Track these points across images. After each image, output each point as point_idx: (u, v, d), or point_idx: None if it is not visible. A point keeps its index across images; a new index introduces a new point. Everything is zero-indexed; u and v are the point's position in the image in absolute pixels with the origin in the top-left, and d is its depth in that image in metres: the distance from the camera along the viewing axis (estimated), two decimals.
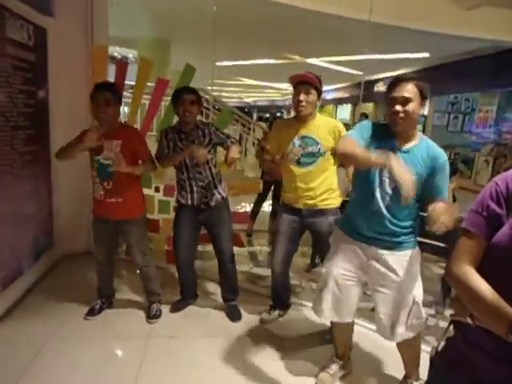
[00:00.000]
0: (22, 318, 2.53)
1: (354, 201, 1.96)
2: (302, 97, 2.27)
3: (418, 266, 1.88)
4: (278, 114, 20.99)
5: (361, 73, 7.93)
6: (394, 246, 1.83)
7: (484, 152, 8.57)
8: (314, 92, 2.30)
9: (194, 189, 2.54)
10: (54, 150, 3.13)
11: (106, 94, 2.30)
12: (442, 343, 1.18)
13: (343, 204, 2.41)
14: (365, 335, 2.53)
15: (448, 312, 1.16)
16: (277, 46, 8.07)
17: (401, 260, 1.83)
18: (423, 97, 1.73)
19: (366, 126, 1.88)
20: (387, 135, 1.80)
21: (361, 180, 1.89)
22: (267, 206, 4.91)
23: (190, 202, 2.57)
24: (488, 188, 1.05)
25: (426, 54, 8.38)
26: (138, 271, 2.72)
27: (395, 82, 1.74)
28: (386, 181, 1.77)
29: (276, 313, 2.76)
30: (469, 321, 1.02)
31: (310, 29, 6.20)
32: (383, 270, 1.84)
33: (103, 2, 3.35)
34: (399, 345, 1.98)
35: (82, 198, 3.45)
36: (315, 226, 2.44)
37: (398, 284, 1.82)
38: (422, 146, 1.76)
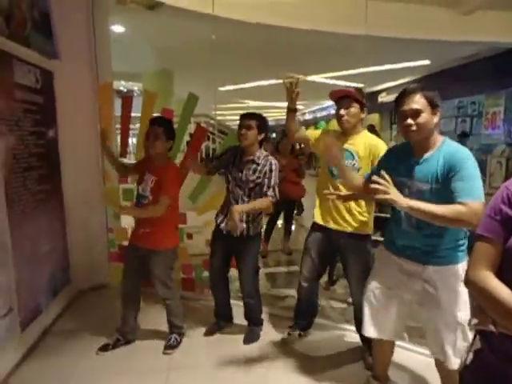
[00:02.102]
0: (42, 358, 2.51)
1: (391, 217, 1.96)
2: (343, 111, 2.29)
3: None
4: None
5: (362, 85, 7.97)
6: (432, 261, 1.75)
7: (496, 153, 8.44)
8: (355, 105, 2.29)
9: (228, 214, 2.51)
10: (65, 187, 3.20)
11: (157, 129, 2.42)
12: (470, 356, 1.14)
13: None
14: (406, 355, 2.44)
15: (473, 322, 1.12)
16: (277, 66, 8.21)
17: (442, 276, 1.74)
18: (434, 105, 1.69)
19: (384, 158, 1.97)
20: (407, 152, 1.79)
21: None
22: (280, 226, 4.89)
23: (220, 223, 2.61)
24: (499, 193, 1.05)
25: (427, 61, 8.40)
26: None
27: (402, 95, 1.71)
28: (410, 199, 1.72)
29: (296, 333, 2.69)
30: (492, 328, 1.00)
31: (309, 47, 6.30)
32: (423, 287, 1.78)
33: (105, 41, 3.47)
34: (439, 366, 1.89)
35: (96, 233, 3.51)
36: (343, 247, 2.40)
37: (439, 301, 1.74)
38: (441, 150, 1.70)
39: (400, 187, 1.76)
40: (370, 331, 1.97)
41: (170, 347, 2.60)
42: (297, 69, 8.84)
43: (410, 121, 1.67)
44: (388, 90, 12.04)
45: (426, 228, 1.72)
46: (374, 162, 2.24)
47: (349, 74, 8.97)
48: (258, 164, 2.50)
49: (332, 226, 2.40)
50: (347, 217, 2.35)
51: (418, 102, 1.66)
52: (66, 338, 2.73)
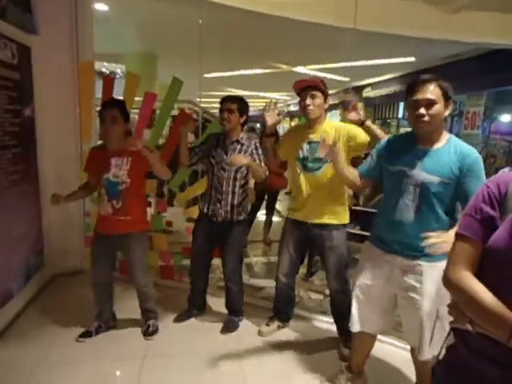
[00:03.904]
0: (12, 343, 2.45)
1: (380, 212, 1.95)
2: (309, 101, 2.27)
3: None
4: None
5: (347, 79, 8.00)
6: (419, 257, 1.75)
7: None
8: (319, 95, 2.29)
9: (212, 199, 2.55)
10: (41, 167, 3.09)
11: (114, 111, 2.28)
12: (443, 352, 1.16)
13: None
14: (381, 348, 2.46)
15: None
16: (263, 55, 8.13)
17: (427, 271, 1.75)
18: (447, 97, 1.64)
19: (381, 145, 1.91)
20: (409, 142, 1.75)
21: (385, 192, 1.88)
22: (261, 216, 4.89)
23: (205, 210, 2.59)
24: (480, 191, 1.05)
25: (412, 59, 8.48)
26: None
27: (416, 83, 1.65)
28: (410, 190, 1.73)
29: (275, 324, 2.71)
30: (469, 327, 1.00)
31: (296, 37, 6.25)
32: (408, 281, 1.79)
33: (88, 19, 3.33)
34: (415, 358, 1.91)
35: (73, 217, 3.42)
36: (320, 239, 2.40)
37: (423, 296, 1.75)
38: (450, 146, 1.68)
39: (397, 177, 1.75)
40: (358, 326, 1.97)
41: (151, 333, 2.57)
42: (282, 59, 8.79)
43: (422, 110, 1.62)
44: (372, 86, 12.12)
45: (419, 222, 1.71)
46: (348, 142, 2.24)
47: (334, 67, 8.99)
48: (242, 144, 2.52)
49: (307, 219, 2.40)
50: (322, 209, 2.36)
51: (432, 91, 1.61)
52: (39, 323, 2.67)
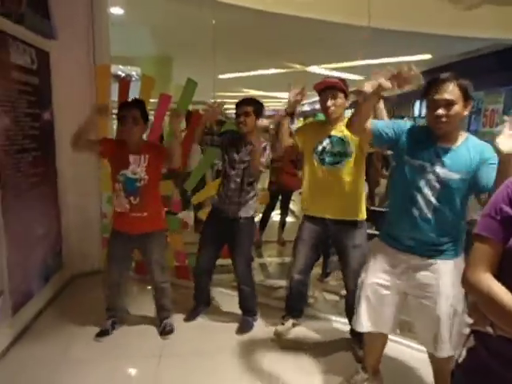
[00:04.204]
0: (33, 342, 2.51)
1: (393, 208, 1.92)
2: (330, 102, 2.27)
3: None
4: None
5: (362, 78, 7.91)
6: (434, 255, 1.73)
7: (494, 150, 8.47)
8: (340, 95, 2.29)
9: (222, 196, 2.60)
10: (60, 171, 3.15)
11: (135, 112, 2.33)
12: (463, 353, 1.14)
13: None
14: (397, 349, 2.44)
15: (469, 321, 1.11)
16: (277, 55, 8.11)
17: (442, 269, 1.73)
18: (467, 97, 1.61)
19: (406, 129, 1.82)
20: (427, 137, 1.73)
21: (400, 187, 1.84)
22: (275, 216, 4.88)
23: (215, 206, 2.65)
24: (500, 191, 1.02)
25: (428, 56, 8.34)
26: (150, 287, 2.69)
27: (435, 82, 1.62)
28: (430, 186, 1.70)
29: (290, 322, 2.68)
30: (489, 330, 0.98)
31: (310, 37, 6.22)
32: (423, 279, 1.76)
33: (104, 23, 3.39)
34: (433, 359, 1.88)
35: (91, 218, 3.48)
36: (338, 237, 2.38)
37: (438, 294, 1.73)
38: (468, 145, 1.67)
39: (417, 171, 1.72)
40: (366, 326, 1.95)
41: (168, 332, 2.60)
42: (296, 59, 8.76)
43: (441, 111, 1.59)
44: None
45: (435, 220, 1.69)
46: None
47: (349, 66, 8.91)
48: (253, 145, 2.51)
49: (324, 214, 2.38)
50: (341, 204, 2.33)
51: (452, 91, 1.58)
52: (58, 322, 2.72)
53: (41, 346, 2.46)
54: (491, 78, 7.90)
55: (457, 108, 1.60)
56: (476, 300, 1.04)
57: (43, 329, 2.65)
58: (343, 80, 2.34)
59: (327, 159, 2.33)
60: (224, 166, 2.63)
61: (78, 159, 3.24)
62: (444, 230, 1.72)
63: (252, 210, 2.64)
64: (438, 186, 1.69)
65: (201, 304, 2.87)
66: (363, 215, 2.39)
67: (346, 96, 2.33)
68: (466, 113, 1.65)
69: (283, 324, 2.67)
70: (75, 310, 2.88)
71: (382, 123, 1.92)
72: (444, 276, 1.72)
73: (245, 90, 13.60)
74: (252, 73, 10.11)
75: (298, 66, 9.45)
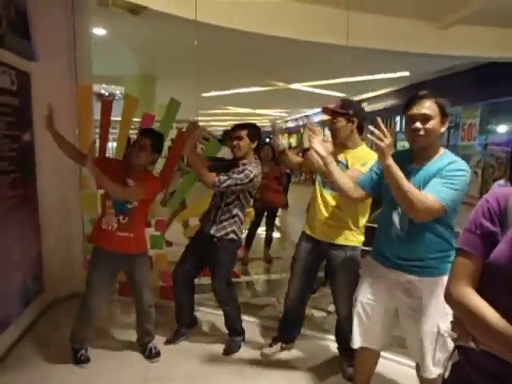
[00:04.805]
0: (10, 371, 2.39)
1: (379, 226, 1.94)
2: (334, 125, 2.27)
3: None
4: (267, 140, 21.15)
5: (344, 95, 8.10)
6: (419, 272, 1.74)
7: (472, 164, 8.69)
8: (340, 119, 2.24)
9: (206, 214, 2.64)
10: (40, 193, 3.09)
11: (145, 141, 2.39)
12: (449, 368, 1.13)
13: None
14: (386, 366, 2.41)
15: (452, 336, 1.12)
16: (260, 73, 8.25)
17: (426, 287, 1.73)
18: (444, 114, 1.67)
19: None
20: (404, 159, 1.76)
21: (383, 207, 1.88)
22: (262, 234, 4.87)
23: (202, 228, 2.65)
24: (479, 206, 1.04)
25: (407, 73, 8.60)
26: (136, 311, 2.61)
27: (413, 99, 1.68)
28: (400, 207, 1.72)
29: (278, 345, 2.64)
30: (472, 345, 0.98)
31: (292, 55, 6.35)
32: (408, 296, 1.77)
33: (86, 44, 3.40)
34: (421, 378, 1.88)
35: (72, 239, 3.41)
36: (330, 258, 2.34)
37: (423, 311, 1.73)
38: (440, 160, 1.69)
39: (389, 190, 1.76)
40: (359, 342, 1.94)
41: (155, 355, 2.54)
42: (279, 77, 8.92)
43: (419, 124, 1.64)
44: (369, 100, 12.24)
45: (416, 236, 1.71)
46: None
47: (330, 84, 9.10)
48: (238, 166, 2.51)
49: (321, 237, 2.35)
50: (338, 228, 2.29)
51: (429, 107, 1.64)
52: (37, 349, 2.62)
53: (19, 375, 2.36)
54: (468, 94, 8.17)
55: (434, 123, 1.64)
56: (459, 315, 1.04)
57: (23, 356, 2.54)
58: (344, 101, 2.32)
59: (327, 181, 2.28)
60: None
61: (59, 181, 3.20)
62: (424, 248, 1.73)
63: (225, 230, 2.56)
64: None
65: (183, 326, 2.78)
66: (357, 240, 2.32)
67: (349, 118, 2.25)
68: (442, 129, 1.69)
69: (271, 346, 2.63)
70: (56, 336, 2.77)
71: (366, 176, 1.96)
72: (427, 294, 1.73)
73: (228, 107, 13.73)
74: (235, 91, 10.24)
75: (280, 84, 9.62)
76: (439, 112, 1.66)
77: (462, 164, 1.66)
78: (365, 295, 1.92)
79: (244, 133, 2.49)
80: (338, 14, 4.14)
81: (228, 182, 2.41)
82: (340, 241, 2.29)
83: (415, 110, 1.66)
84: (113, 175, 2.36)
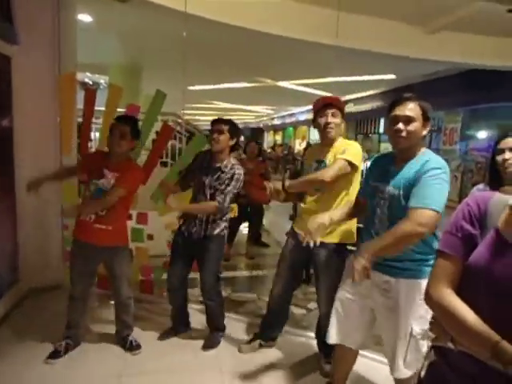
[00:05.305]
0: None
1: (363, 226, 1.97)
2: (330, 118, 2.21)
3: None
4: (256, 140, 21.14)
5: (330, 94, 8.17)
6: (396, 273, 1.74)
7: (452, 167, 8.89)
8: (339, 114, 2.24)
9: (189, 216, 2.56)
10: (18, 180, 3.01)
11: (124, 128, 2.32)
12: (425, 368, 1.15)
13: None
14: (364, 364, 2.43)
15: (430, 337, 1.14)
16: (248, 70, 8.22)
17: (407, 289, 1.73)
18: (426, 117, 1.69)
19: (370, 164, 1.99)
20: (388, 161, 1.81)
21: (368, 205, 1.89)
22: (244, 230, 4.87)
23: (182, 227, 2.59)
24: (460, 209, 1.06)
25: (392, 76, 8.71)
26: (112, 303, 2.58)
27: (397, 101, 1.71)
28: (380, 204, 1.75)
29: (257, 342, 2.63)
30: (450, 346, 1.00)
31: (281, 53, 6.35)
32: (385, 296, 1.78)
33: (71, 30, 3.31)
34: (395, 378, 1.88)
35: (51, 229, 3.33)
36: (313, 255, 2.30)
37: (398, 313, 1.73)
38: (419, 159, 1.70)
39: (373, 192, 1.81)
40: (334, 338, 1.96)
41: (135, 348, 2.53)
42: (267, 74, 8.91)
43: (401, 125, 1.66)
44: (355, 101, 12.37)
45: None
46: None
47: (317, 83, 9.15)
48: (223, 172, 2.48)
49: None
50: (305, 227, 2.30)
51: (412, 109, 1.67)
52: (11, 343, 2.54)
53: None
54: (451, 99, 8.33)
55: (416, 125, 1.67)
56: (438, 315, 1.06)
57: None
58: (342, 100, 2.33)
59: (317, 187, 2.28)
60: (194, 188, 2.59)
61: (38, 170, 3.11)
62: (403, 250, 1.69)
63: (221, 228, 2.56)
64: (385, 203, 1.73)
65: (179, 325, 2.77)
66: (346, 239, 2.28)
67: (343, 117, 2.27)
68: (424, 132, 1.72)
69: (250, 343, 2.63)
70: (31, 329, 2.71)
71: (362, 186, 2.02)
72: (404, 296, 1.73)
73: (215, 102, 13.63)
74: (222, 85, 10.17)
75: (268, 81, 9.60)
76: (422, 115, 1.69)
77: (438, 163, 1.66)
78: (343, 293, 1.94)
79: (226, 128, 2.48)
80: (328, 14, 4.16)
81: (227, 198, 2.46)
82: (330, 239, 2.24)
83: (398, 112, 1.69)
84: (93, 164, 2.37)
